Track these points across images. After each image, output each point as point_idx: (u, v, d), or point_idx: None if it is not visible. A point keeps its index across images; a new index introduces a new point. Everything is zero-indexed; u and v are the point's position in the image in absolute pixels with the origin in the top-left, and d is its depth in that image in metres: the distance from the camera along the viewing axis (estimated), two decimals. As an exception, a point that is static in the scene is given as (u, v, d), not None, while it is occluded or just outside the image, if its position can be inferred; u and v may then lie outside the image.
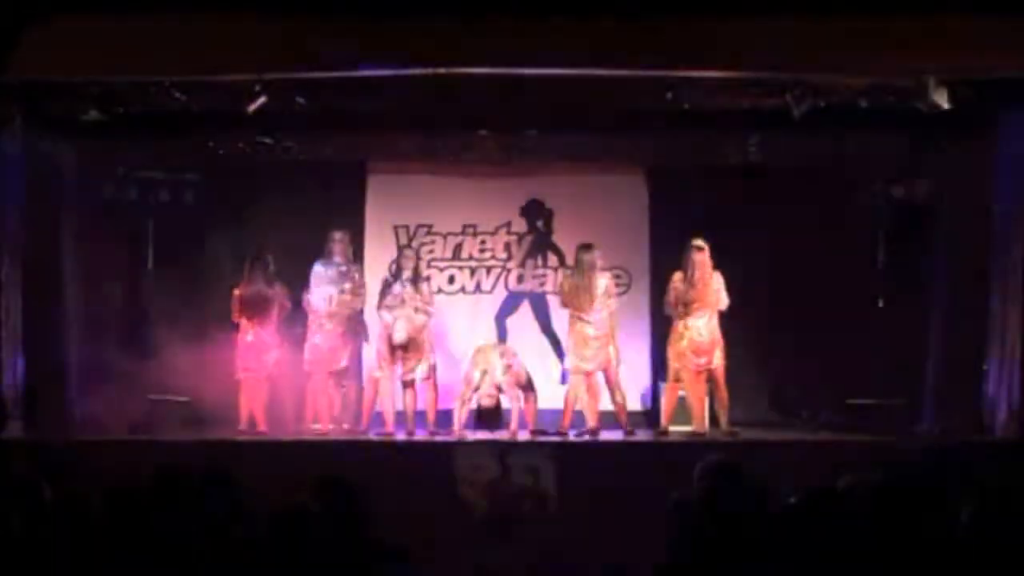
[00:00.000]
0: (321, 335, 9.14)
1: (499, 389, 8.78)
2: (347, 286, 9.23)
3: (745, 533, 3.95)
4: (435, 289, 10.19)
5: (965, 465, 7.01)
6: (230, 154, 9.77)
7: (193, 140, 9.61)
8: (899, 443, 8.41)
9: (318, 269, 9.23)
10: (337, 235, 9.33)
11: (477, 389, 8.78)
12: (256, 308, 9.13)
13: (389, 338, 8.97)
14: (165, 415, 9.27)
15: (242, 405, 9.12)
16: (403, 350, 8.98)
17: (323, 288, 9.20)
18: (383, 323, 9.12)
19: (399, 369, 9.07)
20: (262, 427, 9.06)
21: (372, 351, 9.39)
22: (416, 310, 9.09)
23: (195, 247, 9.85)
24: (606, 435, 8.86)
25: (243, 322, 9.14)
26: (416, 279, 9.22)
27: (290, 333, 9.33)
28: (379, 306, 9.23)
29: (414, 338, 8.99)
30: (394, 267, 9.49)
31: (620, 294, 9.41)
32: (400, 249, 9.60)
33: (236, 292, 9.21)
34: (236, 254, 9.67)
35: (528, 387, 9.09)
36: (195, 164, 9.95)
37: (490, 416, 8.72)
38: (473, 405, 8.87)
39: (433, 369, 9.12)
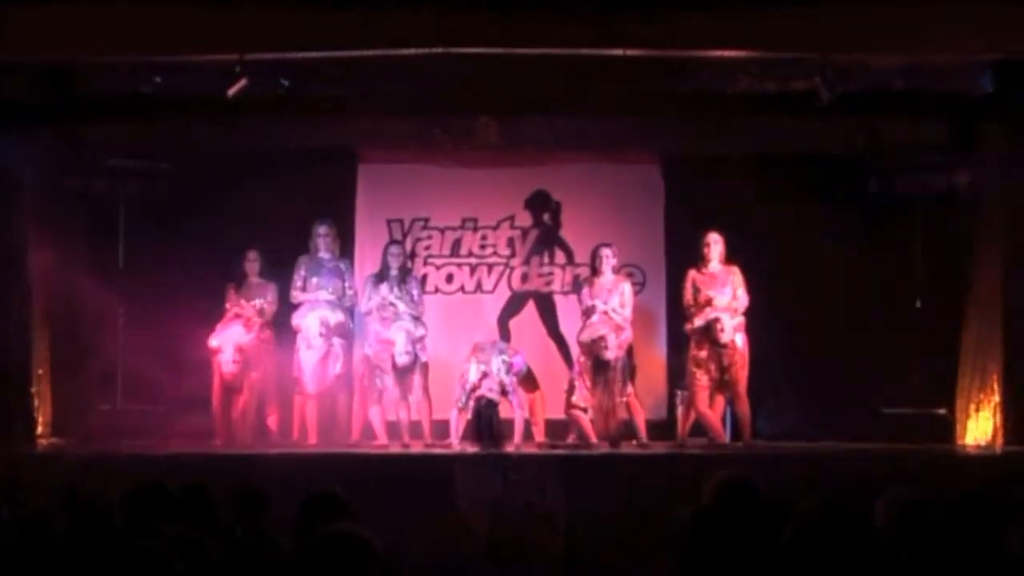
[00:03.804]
0: (308, 338, 9.12)
1: (503, 391, 8.73)
2: (336, 285, 9.23)
3: (760, 558, 3.91)
4: (432, 288, 10.24)
5: (1015, 481, 6.97)
6: (208, 142, 9.75)
7: (168, 126, 9.57)
8: (942, 455, 8.38)
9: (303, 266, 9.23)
10: (322, 228, 9.33)
11: (475, 391, 8.72)
12: (242, 310, 9.17)
13: (392, 357, 8.93)
14: (138, 425, 9.26)
15: (222, 415, 9.10)
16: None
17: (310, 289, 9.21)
18: (375, 333, 9.09)
19: (391, 380, 9.06)
20: (244, 440, 9.04)
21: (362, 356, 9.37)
22: (415, 320, 9.06)
23: (169, 243, 9.84)
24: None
25: (230, 323, 9.13)
26: (404, 278, 9.19)
27: (276, 336, 9.34)
28: (366, 310, 9.21)
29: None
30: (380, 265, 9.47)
31: (634, 294, 9.38)
32: (386, 245, 9.59)
33: (231, 289, 9.25)
34: (214, 250, 9.70)
35: (537, 395, 9.06)
36: (170, 153, 9.96)
37: (488, 422, 8.59)
38: (471, 413, 8.79)
39: (424, 370, 9.10)
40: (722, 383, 8.86)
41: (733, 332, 8.80)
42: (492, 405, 8.62)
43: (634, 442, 8.98)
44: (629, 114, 9.42)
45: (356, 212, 10.35)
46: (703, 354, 8.88)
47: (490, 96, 9.15)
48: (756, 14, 7.84)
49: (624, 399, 8.88)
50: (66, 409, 9.33)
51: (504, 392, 8.76)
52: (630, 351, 9.14)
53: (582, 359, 8.99)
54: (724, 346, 8.80)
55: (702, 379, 8.87)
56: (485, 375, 8.73)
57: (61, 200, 9.66)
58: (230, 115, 9.19)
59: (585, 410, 8.93)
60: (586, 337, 8.89)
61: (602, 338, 8.76)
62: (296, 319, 9.22)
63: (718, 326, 8.76)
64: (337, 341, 9.21)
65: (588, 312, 9.05)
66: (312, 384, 9.10)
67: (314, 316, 9.13)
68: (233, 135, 9.68)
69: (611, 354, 8.74)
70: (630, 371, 9.07)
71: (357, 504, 4.59)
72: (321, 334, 9.10)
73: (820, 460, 8.41)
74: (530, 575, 7.49)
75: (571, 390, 9.01)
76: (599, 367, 8.78)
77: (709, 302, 8.91)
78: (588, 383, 8.85)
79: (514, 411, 8.84)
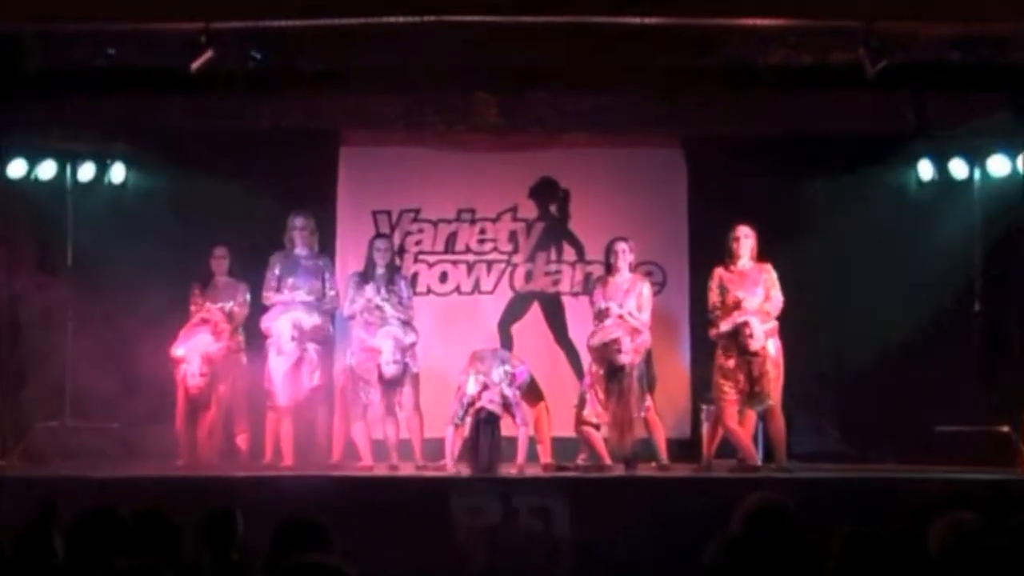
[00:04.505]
0: (278, 344, 9.13)
1: (505, 405, 8.74)
2: (314, 285, 9.25)
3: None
4: (423, 289, 10.27)
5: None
6: (169, 123, 9.77)
7: (123, 105, 9.62)
8: (1005, 479, 8.40)
9: (277, 264, 9.26)
10: (299, 221, 9.35)
11: (473, 406, 8.75)
12: (209, 314, 9.21)
13: (378, 367, 8.95)
14: (89, 445, 9.28)
15: (186, 433, 9.11)
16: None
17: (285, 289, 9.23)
18: (359, 340, 9.11)
19: (376, 393, 9.08)
20: (211, 461, 9.05)
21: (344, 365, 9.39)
22: (404, 325, 9.08)
23: (125, 237, 9.85)
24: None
25: (195, 330, 9.16)
26: (391, 277, 9.22)
27: (248, 344, 9.39)
28: (349, 314, 9.23)
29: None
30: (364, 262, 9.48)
31: (653, 295, 9.38)
32: (372, 240, 9.58)
33: (196, 291, 9.26)
34: (177, 246, 9.73)
35: (542, 408, 9.07)
36: (126, 135, 9.97)
37: (488, 439, 8.57)
38: (469, 430, 8.76)
39: (414, 381, 9.12)
40: (752, 396, 8.85)
41: (764, 338, 8.79)
42: (493, 419, 8.61)
43: (653, 464, 8.99)
44: (648, 90, 9.45)
45: (337, 202, 10.36)
46: (731, 363, 8.87)
47: (488, 70, 9.16)
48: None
49: (642, 414, 8.88)
50: (4, 427, 9.33)
51: (507, 407, 8.75)
52: (649, 360, 9.15)
53: (594, 368, 8.99)
54: (754, 354, 8.78)
55: (730, 392, 8.87)
56: (485, 387, 8.72)
57: (1, 188, 9.65)
58: (194, 92, 9.22)
59: (597, 427, 8.92)
60: (597, 341, 8.90)
61: (615, 340, 8.77)
62: (265, 322, 9.23)
63: (747, 331, 8.74)
64: (312, 347, 9.20)
65: (601, 315, 9.06)
66: (283, 395, 9.09)
67: (286, 319, 9.13)
68: (197, 115, 9.73)
69: (626, 358, 8.75)
70: (649, 382, 9.07)
71: (338, 533, 4.62)
72: (293, 338, 9.09)
73: (864, 485, 8.41)
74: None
75: (582, 404, 9.00)
76: (613, 374, 8.79)
77: (738, 304, 8.90)
78: (601, 394, 8.85)
79: (517, 428, 8.83)
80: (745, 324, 8.76)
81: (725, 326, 8.89)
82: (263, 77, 9.01)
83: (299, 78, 9.18)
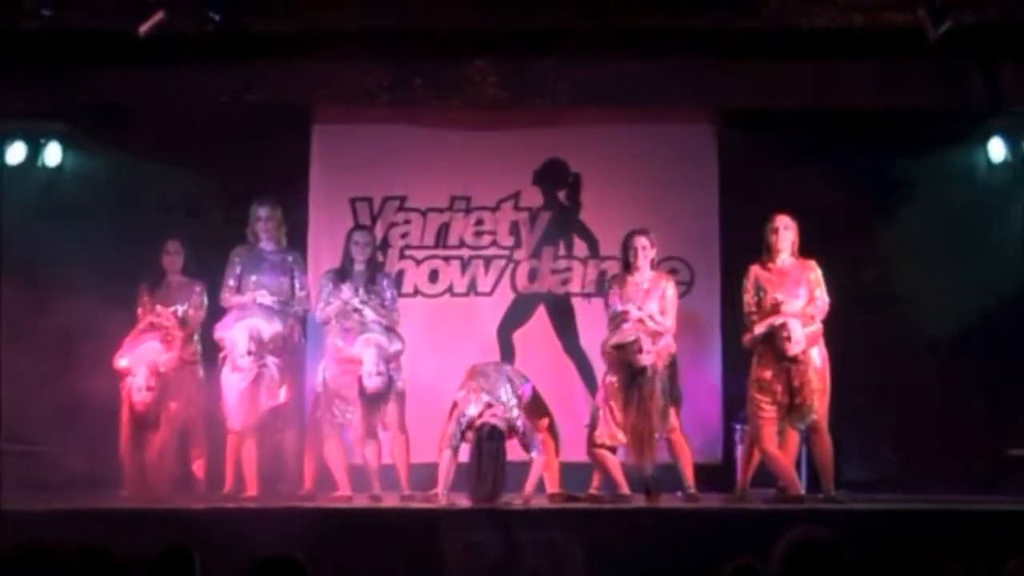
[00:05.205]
0: (232, 356, 9.09)
1: (511, 429, 8.69)
2: (281, 284, 9.24)
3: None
4: (410, 289, 10.29)
5: None
6: (113, 96, 9.77)
7: (60, 75, 9.59)
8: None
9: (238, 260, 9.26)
10: (263, 211, 9.34)
11: (471, 428, 8.68)
12: (159, 318, 9.20)
13: (357, 381, 8.93)
14: (16, 472, 9.23)
15: (133, 458, 9.08)
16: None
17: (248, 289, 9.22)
18: (335, 350, 9.08)
19: (356, 412, 9.05)
20: (162, 490, 9.02)
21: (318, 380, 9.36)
22: (388, 332, 9.06)
23: (62, 230, 9.83)
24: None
25: (142, 337, 9.13)
26: (372, 275, 9.20)
27: (205, 354, 9.39)
28: (323, 318, 9.21)
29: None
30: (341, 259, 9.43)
31: (679, 297, 9.36)
32: (350, 232, 9.53)
33: (144, 292, 9.30)
34: (122, 240, 9.74)
35: (549, 430, 9.04)
36: (63, 110, 9.96)
37: (492, 458, 8.54)
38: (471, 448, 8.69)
39: (400, 398, 9.10)
40: (793, 409, 8.79)
41: (806, 342, 8.75)
42: (497, 435, 8.55)
43: (678, 493, 8.97)
44: (672, 57, 9.42)
45: (309, 188, 10.40)
46: (767, 374, 8.82)
47: (487, 34, 9.15)
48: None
49: (666, 433, 8.84)
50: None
51: (513, 431, 8.70)
52: (674, 371, 9.08)
53: (609, 379, 8.95)
54: (793, 360, 8.73)
55: (767, 408, 8.82)
56: (489, 406, 8.68)
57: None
58: (142, 61, 9.20)
59: (613, 450, 8.90)
60: (614, 342, 8.86)
61: (635, 342, 8.74)
62: (219, 331, 9.19)
63: (784, 333, 8.70)
64: (272, 361, 9.15)
65: (617, 320, 9.01)
66: (237, 417, 9.05)
67: (242, 327, 9.09)
68: (146, 87, 9.73)
69: (648, 359, 8.72)
70: (674, 397, 9.02)
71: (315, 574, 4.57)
72: (250, 352, 9.05)
73: (925, 518, 8.34)
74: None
75: (594, 423, 8.98)
76: (632, 379, 8.74)
77: (777, 307, 8.85)
78: (618, 410, 8.81)
79: (529, 457, 8.77)
80: (783, 326, 8.72)
81: (760, 329, 8.85)
82: (223, 42, 8.98)
83: (265, 43, 9.17)
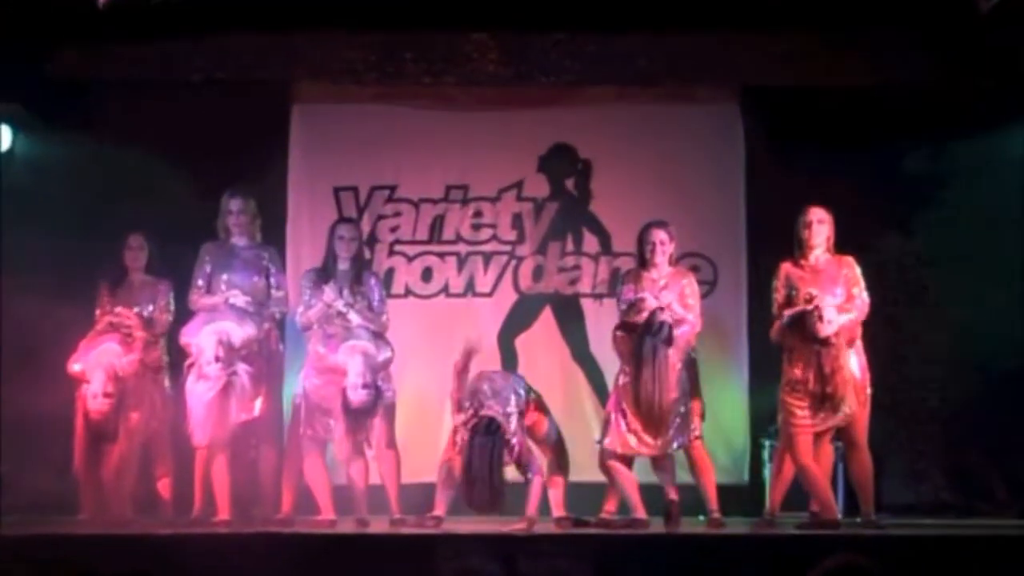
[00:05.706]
0: (198, 364, 9.08)
1: (514, 455, 8.65)
2: (255, 284, 9.24)
3: None
4: (401, 290, 10.31)
5: None
6: (69, 74, 9.82)
7: (11, 52, 9.55)
8: None
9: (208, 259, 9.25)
10: (235, 203, 9.30)
11: (466, 427, 8.54)
12: (119, 319, 9.19)
13: (342, 392, 8.91)
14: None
15: (89, 475, 9.06)
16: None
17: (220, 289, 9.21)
18: (317, 357, 9.07)
19: (340, 427, 9.02)
20: (121, 512, 9.01)
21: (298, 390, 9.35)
22: (375, 338, 9.04)
23: (12, 222, 9.79)
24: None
25: (100, 339, 9.13)
26: (359, 274, 9.19)
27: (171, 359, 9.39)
28: (304, 323, 9.20)
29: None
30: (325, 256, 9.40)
31: (701, 296, 9.34)
32: (333, 226, 9.46)
33: (104, 290, 9.30)
34: (80, 234, 9.76)
35: (556, 447, 9.01)
36: (13, 91, 9.88)
37: (491, 452, 8.49)
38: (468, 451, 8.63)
39: (388, 411, 9.09)
40: (824, 400, 8.68)
41: (846, 352, 8.72)
42: (495, 429, 8.46)
43: (700, 516, 8.97)
44: (692, 30, 9.42)
45: (288, 176, 10.42)
46: (797, 370, 8.75)
47: (486, 4, 9.13)
48: None
49: (686, 438, 8.80)
50: None
51: (519, 458, 8.64)
52: (692, 369, 9.00)
53: (621, 380, 8.90)
54: (824, 343, 8.65)
55: (801, 414, 8.73)
56: (491, 421, 8.64)
57: None
58: (102, 35, 9.20)
59: (627, 461, 8.87)
60: (630, 322, 8.78)
61: (653, 313, 8.66)
62: (185, 336, 9.15)
63: (816, 313, 8.65)
64: (243, 369, 9.14)
65: (631, 310, 8.89)
66: (202, 431, 9.01)
67: (210, 330, 9.07)
68: (106, 64, 9.74)
69: (666, 317, 8.65)
70: (695, 394, 8.97)
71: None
72: (217, 358, 9.03)
73: (974, 544, 8.32)
74: None
75: (606, 432, 8.96)
76: (646, 354, 8.64)
77: (811, 301, 8.80)
78: (630, 397, 8.69)
79: (528, 479, 8.74)
80: (815, 307, 8.67)
81: (789, 313, 8.78)
82: (191, 14, 8.99)
83: (239, 13, 9.18)
